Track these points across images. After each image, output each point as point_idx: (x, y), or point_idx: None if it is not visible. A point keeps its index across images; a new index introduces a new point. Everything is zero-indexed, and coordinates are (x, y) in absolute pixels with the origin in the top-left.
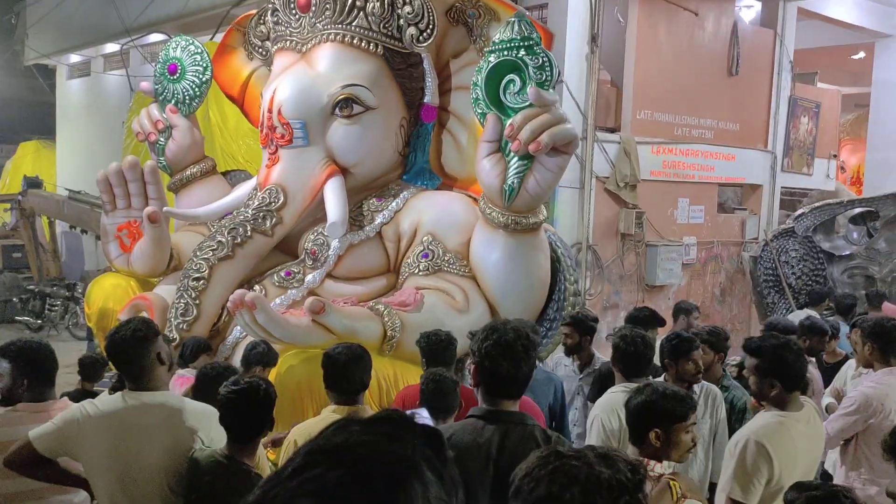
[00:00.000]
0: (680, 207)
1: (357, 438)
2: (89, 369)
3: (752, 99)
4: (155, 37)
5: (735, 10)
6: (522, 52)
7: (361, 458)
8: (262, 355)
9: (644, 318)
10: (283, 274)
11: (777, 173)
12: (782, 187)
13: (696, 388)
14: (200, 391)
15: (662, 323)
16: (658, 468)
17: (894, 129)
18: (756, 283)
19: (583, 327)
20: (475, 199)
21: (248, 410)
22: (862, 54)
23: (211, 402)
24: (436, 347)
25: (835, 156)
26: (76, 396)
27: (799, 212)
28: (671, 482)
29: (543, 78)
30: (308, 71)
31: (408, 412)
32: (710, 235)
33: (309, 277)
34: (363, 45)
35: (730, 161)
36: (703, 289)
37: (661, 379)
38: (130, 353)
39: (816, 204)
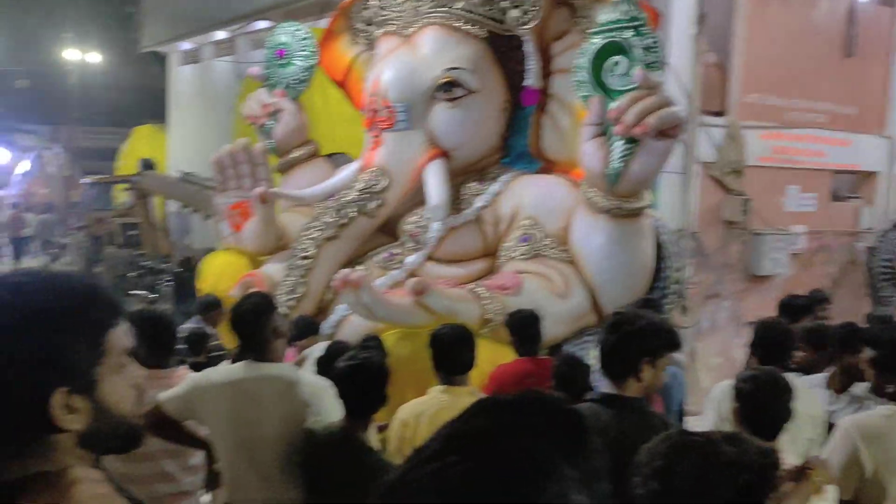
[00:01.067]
0: (789, 195)
1: (499, 425)
2: (194, 343)
3: (869, 81)
4: (262, 24)
5: None
6: (628, 33)
7: (500, 451)
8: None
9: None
10: (384, 255)
11: (895, 160)
12: None
13: None
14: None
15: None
16: (790, 459)
17: None
18: (871, 274)
19: None
20: (576, 184)
21: (365, 385)
22: None
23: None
24: (519, 324)
25: None
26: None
27: None
28: (810, 473)
29: (650, 59)
30: (411, 54)
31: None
32: (820, 225)
33: (409, 259)
34: (466, 27)
35: (844, 147)
36: (812, 280)
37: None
38: (251, 325)
39: None
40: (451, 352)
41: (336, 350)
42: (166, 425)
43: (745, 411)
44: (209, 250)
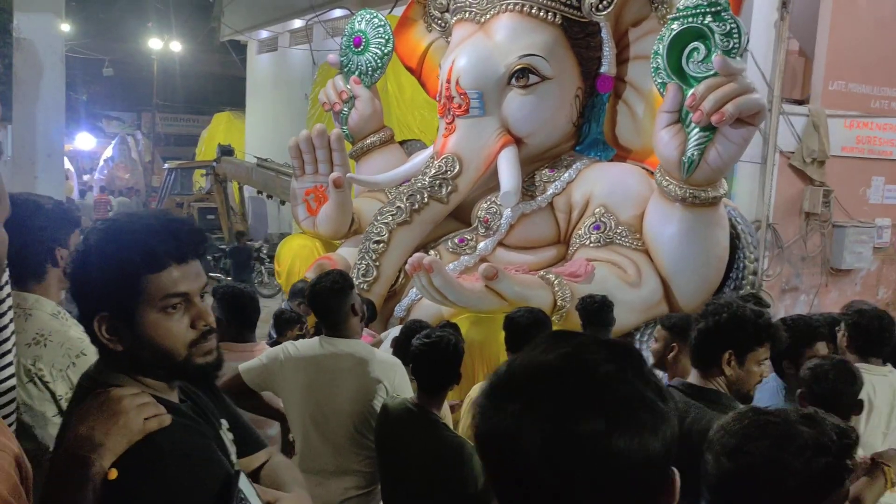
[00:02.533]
0: (874, 186)
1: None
2: (282, 324)
3: None
4: (337, 12)
5: None
6: (709, 19)
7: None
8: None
9: None
10: (456, 241)
11: None
12: None
13: None
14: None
15: None
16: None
17: None
18: None
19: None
20: (650, 172)
21: (439, 362)
22: None
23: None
24: (591, 309)
25: None
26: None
27: None
28: (885, 467)
29: (731, 45)
30: (486, 41)
31: None
32: None
33: (481, 245)
34: (541, 14)
35: None
36: None
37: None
38: (329, 302)
39: None
40: (528, 335)
41: (413, 329)
42: (244, 394)
43: (810, 397)
44: (284, 235)
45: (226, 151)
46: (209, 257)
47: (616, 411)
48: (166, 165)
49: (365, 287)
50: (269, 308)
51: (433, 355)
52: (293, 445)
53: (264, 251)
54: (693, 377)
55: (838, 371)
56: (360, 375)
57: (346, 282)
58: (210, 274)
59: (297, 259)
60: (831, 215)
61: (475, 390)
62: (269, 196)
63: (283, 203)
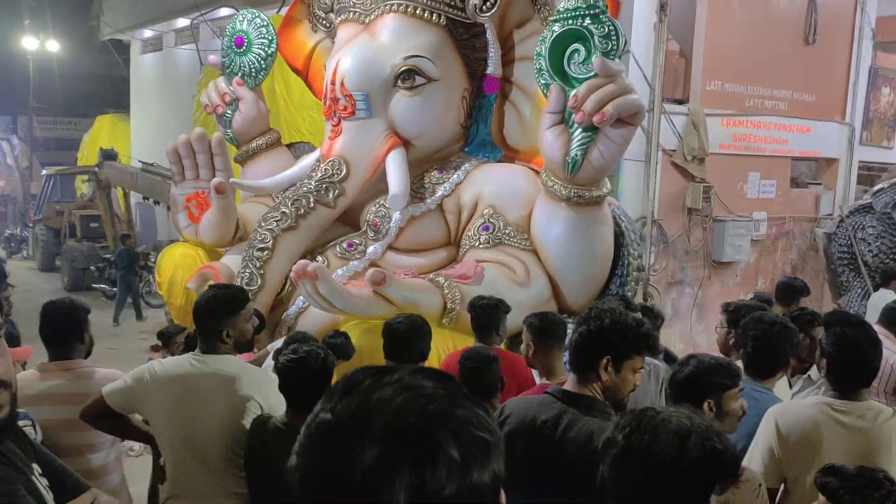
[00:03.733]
0: (750, 182)
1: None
2: (165, 339)
3: (829, 69)
4: (224, 11)
5: None
6: (588, 21)
7: (388, 428)
8: (337, 347)
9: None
10: (345, 245)
11: (855, 147)
12: (860, 161)
13: None
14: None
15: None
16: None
17: None
18: (830, 260)
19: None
20: (537, 172)
21: (307, 379)
22: None
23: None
24: (482, 312)
25: None
26: None
27: (878, 187)
28: (740, 479)
29: (609, 47)
30: (371, 42)
31: None
32: (781, 211)
33: (370, 249)
34: (426, 15)
35: (804, 134)
36: (774, 266)
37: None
38: (207, 317)
39: None
40: (406, 342)
41: (292, 342)
42: (110, 418)
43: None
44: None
45: (108, 156)
46: (93, 267)
47: (463, 449)
48: (45, 171)
49: (250, 296)
50: (156, 318)
51: (301, 371)
52: (164, 469)
53: (152, 259)
54: (570, 382)
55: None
56: (230, 393)
57: (230, 297)
58: (94, 285)
59: (179, 269)
60: (712, 210)
61: None
62: (157, 202)
63: (170, 209)
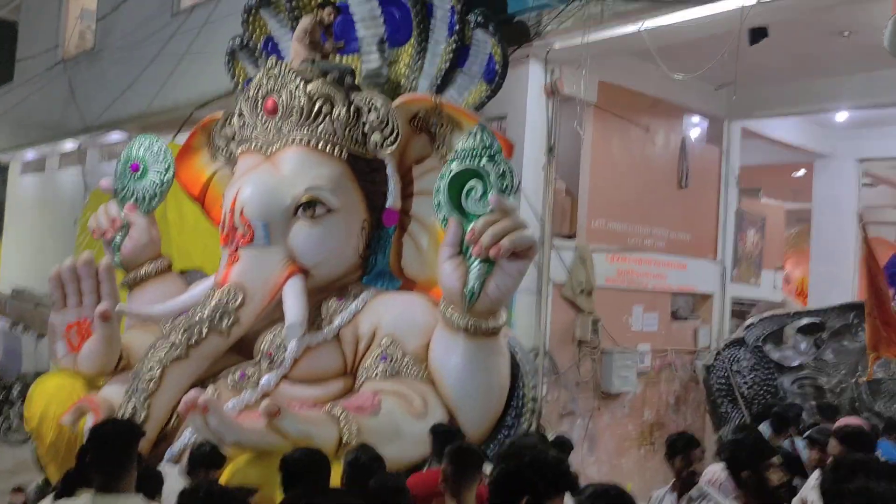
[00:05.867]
0: (634, 315)
1: None
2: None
3: (701, 211)
4: (115, 135)
5: (683, 127)
6: (484, 161)
7: None
8: (206, 456)
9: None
10: (237, 375)
11: (727, 283)
12: (732, 297)
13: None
14: None
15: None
16: None
17: (835, 244)
18: (709, 392)
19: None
20: (435, 302)
21: None
22: (803, 171)
23: None
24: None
25: (781, 268)
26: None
27: (748, 321)
28: None
29: (504, 185)
30: (273, 172)
31: None
32: (664, 343)
33: (264, 379)
34: (328, 149)
35: (681, 270)
36: (658, 397)
37: None
38: (110, 452)
39: (765, 314)
40: (305, 477)
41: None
42: None
43: None
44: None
45: None
46: None
47: None
48: None
49: None
50: (18, 457)
51: None
52: None
53: (15, 392)
54: None
55: None
56: None
57: (131, 429)
58: None
59: (53, 402)
60: (600, 342)
61: None
62: (26, 329)
63: (41, 338)
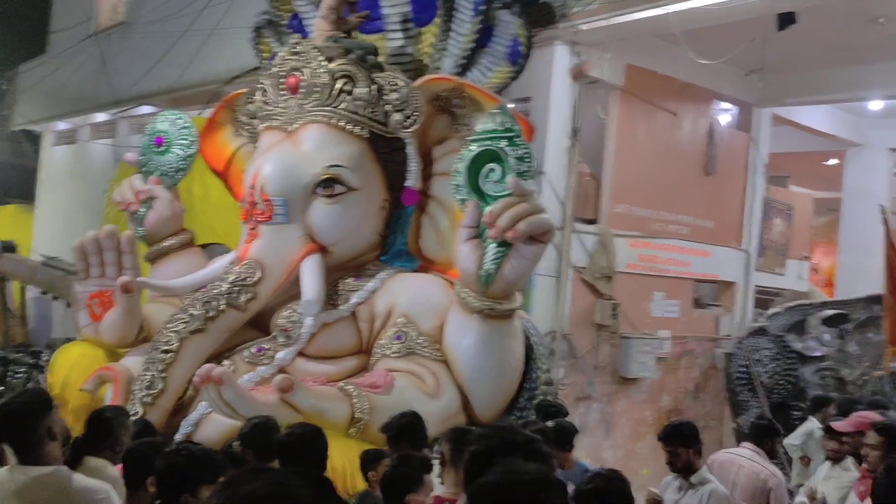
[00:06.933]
0: (655, 301)
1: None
2: None
3: (727, 198)
4: (145, 108)
5: (712, 112)
6: (503, 143)
7: None
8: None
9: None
10: (253, 350)
11: (751, 272)
12: (756, 286)
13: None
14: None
15: None
16: None
17: (865, 234)
18: (729, 380)
19: None
20: (451, 283)
21: None
22: (834, 161)
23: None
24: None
25: (807, 257)
26: None
27: (772, 311)
28: None
29: (523, 168)
30: (293, 150)
31: None
32: (684, 330)
33: (280, 355)
34: (349, 127)
35: (705, 257)
36: (677, 383)
37: None
38: (19, 425)
39: (789, 304)
40: (295, 455)
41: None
42: None
43: None
44: (70, 340)
45: (7, 247)
46: None
47: None
48: None
49: (149, 400)
50: None
51: None
52: None
53: (44, 358)
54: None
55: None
56: None
57: (41, 402)
58: None
59: (75, 369)
60: (619, 327)
61: None
62: (56, 297)
63: (69, 305)
